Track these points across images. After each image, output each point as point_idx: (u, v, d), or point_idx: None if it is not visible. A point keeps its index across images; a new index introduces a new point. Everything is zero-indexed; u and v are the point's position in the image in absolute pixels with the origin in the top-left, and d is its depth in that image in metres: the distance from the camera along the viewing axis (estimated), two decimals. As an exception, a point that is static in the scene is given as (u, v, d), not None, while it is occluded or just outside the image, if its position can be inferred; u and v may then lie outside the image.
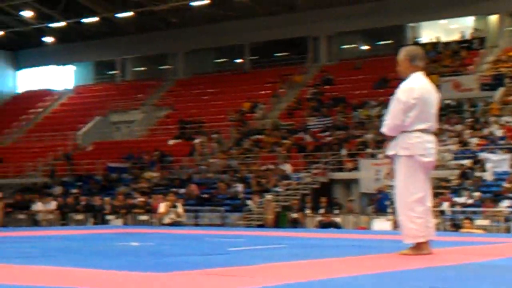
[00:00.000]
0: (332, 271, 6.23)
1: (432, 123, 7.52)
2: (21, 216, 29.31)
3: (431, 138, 7.51)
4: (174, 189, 29.37)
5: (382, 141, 28.14)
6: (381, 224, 22.41)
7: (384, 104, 31.75)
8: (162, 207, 21.31)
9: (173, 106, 42.27)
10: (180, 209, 21.58)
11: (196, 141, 35.74)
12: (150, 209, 27.35)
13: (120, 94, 45.81)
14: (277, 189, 27.98)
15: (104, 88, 48.36)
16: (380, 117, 31.17)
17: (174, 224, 20.51)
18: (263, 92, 39.81)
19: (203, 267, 6.30)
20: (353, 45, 43.35)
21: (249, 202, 26.99)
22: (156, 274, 5.73)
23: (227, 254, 8.31)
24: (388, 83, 34.58)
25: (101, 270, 6.04)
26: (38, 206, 28.83)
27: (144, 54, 47.54)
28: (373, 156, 28.57)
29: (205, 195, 28.81)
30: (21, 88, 52.42)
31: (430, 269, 6.38)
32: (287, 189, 27.97)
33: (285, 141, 32.92)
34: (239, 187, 28.66)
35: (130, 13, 41.87)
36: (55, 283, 5.10)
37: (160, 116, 41.97)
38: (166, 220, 20.95)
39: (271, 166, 30.12)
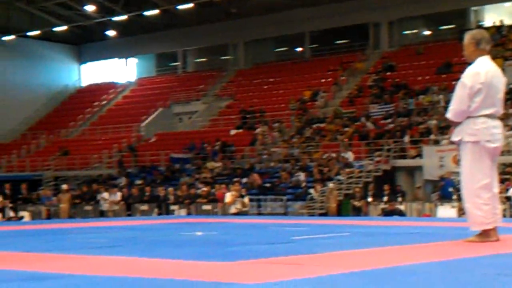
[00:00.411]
0: (397, 259, 6.18)
1: (498, 108, 7.37)
2: (88, 207, 29.84)
3: (497, 123, 7.37)
4: (236, 179, 29.53)
5: (445, 127, 27.77)
6: (445, 211, 22.14)
7: (447, 90, 31.29)
8: (228, 196, 21.38)
9: (234, 96, 42.44)
10: (246, 199, 21.63)
11: (258, 130, 35.82)
12: (213, 199, 27.55)
13: (181, 85, 46.19)
14: (339, 177, 27.87)
15: (166, 79, 48.83)
16: (443, 102, 30.71)
17: (240, 213, 20.57)
18: (324, 80, 39.65)
19: (268, 255, 6.32)
20: (414, 31, 42.81)
21: (311, 190, 26.95)
22: (222, 263, 5.77)
23: (291, 243, 8.31)
24: (451, 68, 34.05)
25: (167, 260, 6.11)
26: (104, 197, 29.31)
27: (205, 45, 47.82)
28: (436, 142, 28.20)
29: (268, 184, 28.87)
30: (85, 82, 53.32)
31: (497, 256, 6.28)
32: (350, 177, 27.83)
33: (346, 129, 32.75)
34: (301, 176, 28.63)
35: (190, 5, 42.13)
36: (123, 273, 5.18)
37: (222, 106, 42.17)
38: (232, 209, 21.02)
39: (333, 154, 30.00)
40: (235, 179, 28.64)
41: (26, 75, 48.43)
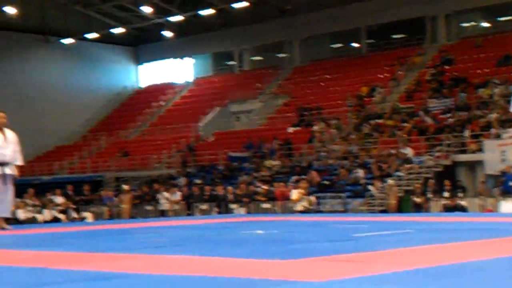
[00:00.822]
0: (462, 255, 6.10)
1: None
2: (148, 207, 30.18)
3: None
4: (294, 177, 29.50)
5: (507, 120, 27.27)
6: (509, 206, 21.74)
7: (508, 82, 30.71)
8: (294, 194, 21.24)
9: (291, 93, 42.40)
10: (312, 197, 21.51)
11: (315, 128, 35.72)
12: (272, 197, 27.58)
13: (238, 84, 46.36)
14: (398, 173, 27.61)
15: (223, 79, 49.07)
16: (504, 96, 30.16)
17: (306, 211, 20.44)
18: (381, 75, 39.33)
19: (330, 253, 6.30)
20: (473, 23, 42.14)
21: (370, 187, 26.76)
22: (284, 261, 5.77)
23: (353, 240, 8.27)
24: (511, 60, 33.42)
25: (229, 258, 6.14)
26: (164, 197, 29.59)
27: (260, 43, 47.91)
28: (497, 136, 27.72)
29: (326, 182, 28.77)
30: (143, 83, 53.93)
31: None
32: (409, 173, 27.55)
33: (405, 124, 32.43)
34: (360, 172, 28.45)
35: (245, 4, 42.24)
36: (187, 272, 5.22)
37: (279, 104, 42.17)
38: (299, 207, 20.90)
39: (392, 151, 29.74)
40: (298, 177, 28.62)
41: (86, 77, 49.23)
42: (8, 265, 6.10)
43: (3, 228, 11.92)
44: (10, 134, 12.08)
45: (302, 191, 21.08)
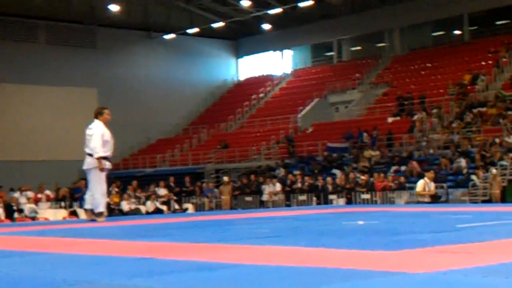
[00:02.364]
0: None
1: None
2: (248, 199, 30.47)
3: None
4: (394, 167, 29.19)
5: None
6: None
7: None
8: (419, 185, 20.92)
9: (391, 83, 41.90)
10: (432, 186, 21.14)
11: (416, 117, 35.20)
12: (372, 188, 27.38)
13: (337, 75, 46.13)
14: (502, 162, 26.90)
15: (322, 70, 48.93)
16: None
17: (430, 202, 20.13)
18: (484, 62, 38.36)
19: (434, 244, 6.22)
20: None
21: (473, 177, 26.19)
22: (388, 252, 5.74)
23: (457, 231, 8.13)
24: None
25: (332, 249, 6.15)
26: (264, 188, 29.82)
27: (359, 33, 47.49)
28: None
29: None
30: (242, 76, 54.37)
31: None
32: (514, 163, 26.81)
33: (510, 112, 31.55)
34: (462, 162, 27.87)
35: (344, -6, 41.96)
36: (290, 262, 5.27)
37: (378, 94, 41.76)
38: (425, 198, 20.60)
39: (496, 139, 29.00)
40: (392, 167, 28.34)
41: (187, 71, 50.05)
42: (117, 255, 6.30)
43: (93, 220, 12.23)
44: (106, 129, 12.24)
45: (428, 180, 20.69)
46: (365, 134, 35.30)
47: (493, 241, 6.47)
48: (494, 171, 25.21)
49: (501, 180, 25.04)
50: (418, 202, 20.58)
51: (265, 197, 29.48)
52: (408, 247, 6.05)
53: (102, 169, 11.93)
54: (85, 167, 12.19)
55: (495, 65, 37.57)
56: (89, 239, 8.46)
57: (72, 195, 28.88)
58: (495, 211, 13.03)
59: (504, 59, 37.68)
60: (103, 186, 12.19)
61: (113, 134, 12.46)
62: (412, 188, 26.09)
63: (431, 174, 21.33)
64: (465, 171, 27.09)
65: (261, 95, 49.78)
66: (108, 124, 12.41)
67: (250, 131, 44.35)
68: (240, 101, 49.12)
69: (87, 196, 12.46)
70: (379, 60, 45.94)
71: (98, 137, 12.03)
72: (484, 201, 24.15)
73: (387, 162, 31.09)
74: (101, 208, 12.27)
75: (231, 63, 53.95)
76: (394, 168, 29.59)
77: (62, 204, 28.46)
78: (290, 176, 31.44)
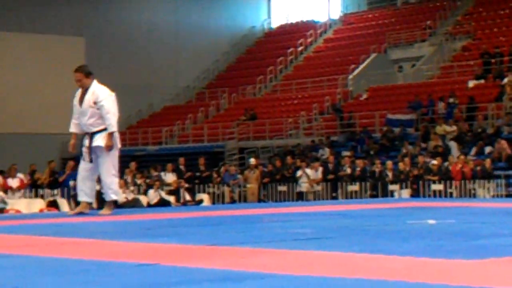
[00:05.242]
0: None
1: None
2: (282, 188, 30.52)
3: None
4: (476, 148, 29.10)
5: None
6: None
7: None
8: None
9: (473, 34, 41.64)
10: None
11: (506, 80, 35.01)
12: (447, 176, 27.31)
13: (401, 22, 45.89)
14: None
15: (381, 15, 48.70)
16: None
17: None
18: None
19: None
20: None
21: None
22: (468, 262, 5.77)
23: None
24: None
25: (393, 256, 6.19)
26: (302, 174, 29.85)
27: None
28: None
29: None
30: (275, 22, 54.20)
31: None
32: None
33: None
34: None
35: None
36: (339, 273, 5.31)
37: (456, 49, 41.51)
38: None
39: None
40: (473, 148, 28.22)
41: (202, 16, 49.87)
42: (111, 260, 6.39)
43: (81, 213, 12.43)
44: (91, 95, 12.39)
45: None
46: (439, 103, 35.17)
47: None
48: None
49: None
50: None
51: (303, 187, 29.53)
52: (494, 255, 6.08)
53: (110, 147, 12.35)
54: (96, 143, 12.42)
55: None
56: (74, 238, 8.58)
57: (53, 182, 29.04)
58: None
59: None
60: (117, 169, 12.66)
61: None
62: (500, 177, 26.02)
63: None
64: None
65: (300, 48, 49.68)
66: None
67: (285, 97, 44.34)
68: (272, 57, 49.05)
69: (81, 184, 12.69)
70: (458, 2, 45.63)
71: (114, 106, 12.47)
72: None
73: (467, 141, 30.98)
74: (116, 194, 12.72)
75: (261, 4, 53.80)
76: (475, 148, 29.48)
77: (40, 192, 28.72)
78: (336, 158, 31.46)
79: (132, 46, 47.07)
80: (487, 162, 27.29)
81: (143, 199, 26.59)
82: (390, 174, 28.55)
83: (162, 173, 29.73)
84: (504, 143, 28.83)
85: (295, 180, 30.13)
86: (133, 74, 45.88)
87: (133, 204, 25.11)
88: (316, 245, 7.15)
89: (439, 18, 44.60)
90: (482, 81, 36.87)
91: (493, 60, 37.70)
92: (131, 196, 26.23)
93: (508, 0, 42.74)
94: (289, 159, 32.32)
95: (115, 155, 12.53)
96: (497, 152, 28.57)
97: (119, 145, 12.65)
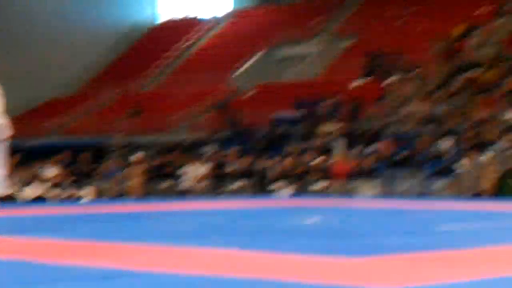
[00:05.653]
0: None
1: None
2: (166, 185, 30.36)
3: None
4: (359, 147, 29.47)
5: None
6: None
7: None
8: None
9: (359, 34, 42.10)
10: None
11: (390, 81, 35.52)
12: (330, 174, 27.60)
13: (289, 20, 46.11)
14: (499, 145, 27.41)
15: (269, 12, 48.85)
16: None
17: None
18: (481, 9, 38.80)
19: (406, 250, 6.35)
20: None
21: (460, 163, 26.63)
22: (347, 260, 5.82)
23: (436, 234, 8.31)
24: None
25: (273, 254, 6.20)
26: (186, 171, 29.78)
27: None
28: None
29: (401, 155, 28.66)
30: (162, 17, 53.89)
31: None
32: (514, 145, 27.33)
33: (511, 78, 32.11)
34: (447, 143, 28.30)
35: None
36: (216, 271, 5.30)
37: (342, 48, 41.88)
38: None
39: (492, 114, 29.52)
40: (356, 147, 28.57)
41: (85, 9, 49.22)
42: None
43: None
44: None
45: None
46: (324, 102, 35.46)
47: (480, 248, 6.64)
48: (488, 156, 25.64)
49: (497, 169, 25.51)
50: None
51: (187, 183, 29.47)
52: (373, 253, 6.15)
53: None
54: None
55: (496, 12, 38.00)
56: None
57: None
58: (486, 210, 13.33)
59: (509, 6, 38.05)
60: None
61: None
62: (380, 176, 26.42)
63: None
64: (450, 155, 27.50)
65: (187, 43, 49.50)
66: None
67: (172, 92, 44.10)
68: (158, 52, 48.75)
69: None
70: (345, 1, 46.10)
71: None
72: (474, 195, 24.59)
73: (350, 140, 31.32)
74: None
75: (146, 0, 53.44)
76: (358, 148, 29.88)
77: None
78: (221, 155, 31.45)
79: (14, 37, 46.22)
80: (369, 161, 27.68)
81: (23, 194, 26.13)
82: (274, 172, 28.68)
83: (45, 167, 29.28)
84: (385, 143, 29.27)
85: (179, 176, 30.04)
86: (14, 66, 45.06)
87: (10, 199, 24.64)
88: (196, 242, 7.14)
89: (326, 17, 45.00)
90: (367, 80, 37.34)
91: (377, 61, 38.20)
92: (10, 190, 25.74)
93: (392, 2, 43.37)
94: (174, 155, 32.20)
95: None
96: (379, 151, 29.00)
97: (3, 137, 12.36)
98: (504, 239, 7.47)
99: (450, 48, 36.38)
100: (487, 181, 24.68)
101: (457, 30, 37.30)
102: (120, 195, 29.56)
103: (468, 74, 33.54)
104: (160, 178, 30.52)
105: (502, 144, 27.20)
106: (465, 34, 36.97)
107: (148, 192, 29.75)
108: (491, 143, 27.34)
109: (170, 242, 7.27)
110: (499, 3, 38.13)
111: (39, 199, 25.56)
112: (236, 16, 50.06)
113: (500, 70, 32.89)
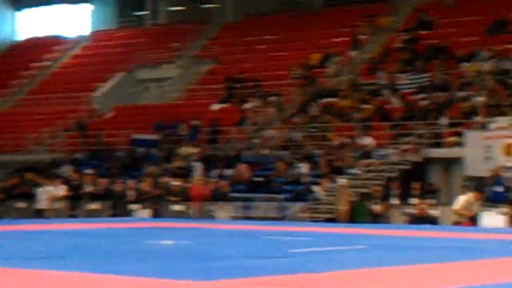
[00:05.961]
0: (429, 283, 6.24)
1: None
2: (21, 205, 29.80)
3: None
4: (217, 171, 29.57)
5: (496, 106, 27.77)
6: (491, 219, 22.20)
7: (500, 56, 31.32)
8: (461, 201, 21.13)
9: (218, 58, 42.30)
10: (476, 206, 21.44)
11: (248, 105, 35.78)
12: (188, 197, 27.58)
13: (150, 42, 46.00)
14: (354, 170, 27.90)
15: (130, 34, 48.61)
16: (495, 73, 30.74)
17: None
18: (338, 39, 39.51)
19: (258, 273, 6.39)
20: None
21: (316, 188, 26.97)
22: (199, 283, 5.83)
23: (288, 257, 8.39)
24: (505, 27, 34.04)
25: (126, 277, 6.17)
26: (42, 191, 29.30)
27: (181, -10, 47.66)
28: (483, 127, 28.23)
29: (259, 179, 28.85)
30: (21, 35, 53.05)
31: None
32: (368, 171, 27.82)
33: (365, 106, 32.76)
34: (303, 167, 28.63)
35: None
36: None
37: (202, 72, 41.98)
38: (462, 219, 20.93)
39: (347, 140, 30.05)
40: (214, 171, 28.66)
41: None
42: None
43: None
44: None
45: (472, 198, 21.07)
46: (182, 124, 35.48)
47: (332, 272, 6.73)
48: (343, 181, 26.03)
49: (351, 194, 25.92)
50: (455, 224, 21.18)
51: (43, 204, 28.97)
52: (225, 277, 6.17)
53: None
54: None
55: (351, 43, 38.81)
56: None
57: None
58: (340, 234, 13.56)
59: (363, 37, 38.94)
60: None
61: None
62: (238, 199, 26.55)
63: (477, 194, 21.85)
64: (306, 179, 27.83)
65: (46, 63, 48.84)
66: None
67: (29, 112, 43.39)
68: (16, 70, 47.91)
69: None
70: (205, 26, 46.27)
71: None
72: (328, 220, 24.91)
73: (209, 163, 31.38)
74: None
75: (7, 17, 52.53)
76: (217, 171, 29.97)
77: None
78: (78, 176, 31.08)
79: None
80: (226, 184, 27.76)
81: None
82: (131, 193, 28.49)
83: None
84: (243, 167, 29.44)
85: (34, 196, 29.53)
86: None
87: None
88: (49, 265, 7.03)
89: (187, 41, 45.08)
90: (226, 105, 37.52)
91: (236, 85, 38.43)
92: None
93: (252, 28, 43.75)
94: (29, 175, 31.64)
95: None
96: (237, 175, 29.15)
97: None
98: (358, 263, 7.59)
99: (308, 75, 36.88)
100: (343, 205, 25.09)
101: (314, 58, 37.90)
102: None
103: (325, 101, 34.05)
104: (16, 198, 29.94)
105: (357, 169, 27.73)
106: (322, 62, 37.58)
107: (3, 211, 29.13)
108: (347, 168, 27.85)
109: (22, 264, 7.13)
110: (354, 33, 38.81)
111: None
112: (97, 36, 49.64)
113: (356, 98, 33.53)
